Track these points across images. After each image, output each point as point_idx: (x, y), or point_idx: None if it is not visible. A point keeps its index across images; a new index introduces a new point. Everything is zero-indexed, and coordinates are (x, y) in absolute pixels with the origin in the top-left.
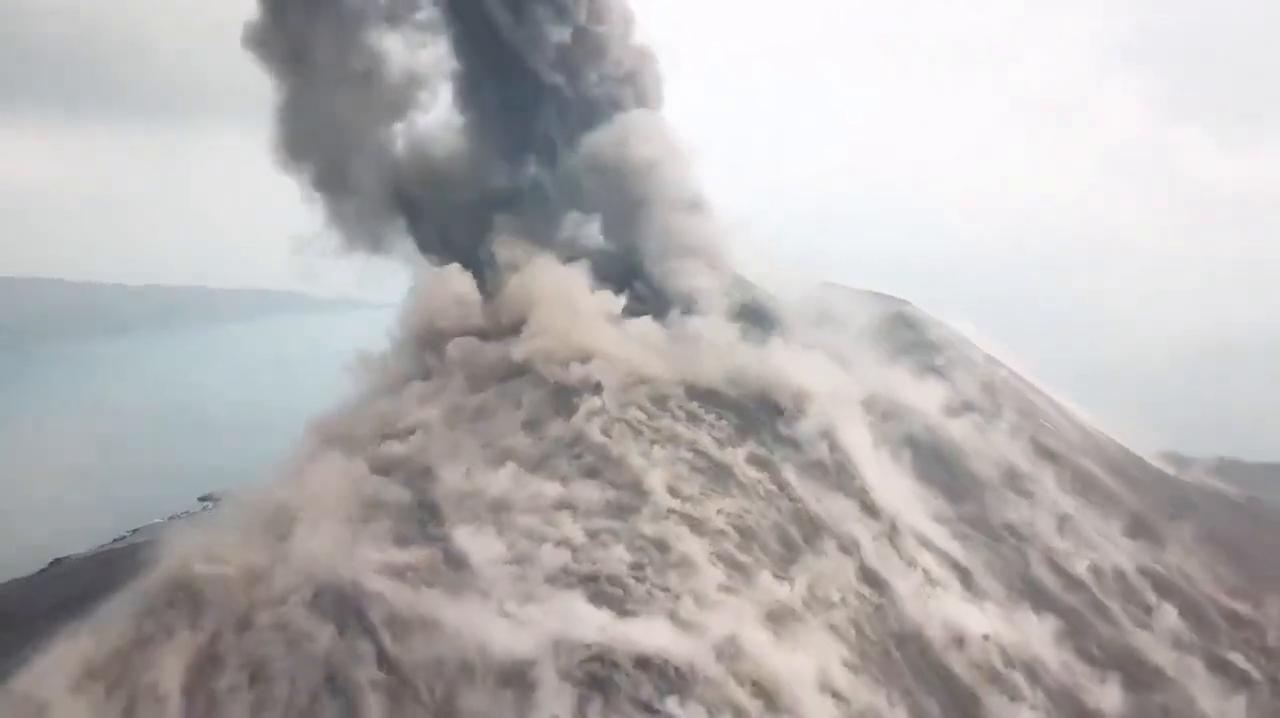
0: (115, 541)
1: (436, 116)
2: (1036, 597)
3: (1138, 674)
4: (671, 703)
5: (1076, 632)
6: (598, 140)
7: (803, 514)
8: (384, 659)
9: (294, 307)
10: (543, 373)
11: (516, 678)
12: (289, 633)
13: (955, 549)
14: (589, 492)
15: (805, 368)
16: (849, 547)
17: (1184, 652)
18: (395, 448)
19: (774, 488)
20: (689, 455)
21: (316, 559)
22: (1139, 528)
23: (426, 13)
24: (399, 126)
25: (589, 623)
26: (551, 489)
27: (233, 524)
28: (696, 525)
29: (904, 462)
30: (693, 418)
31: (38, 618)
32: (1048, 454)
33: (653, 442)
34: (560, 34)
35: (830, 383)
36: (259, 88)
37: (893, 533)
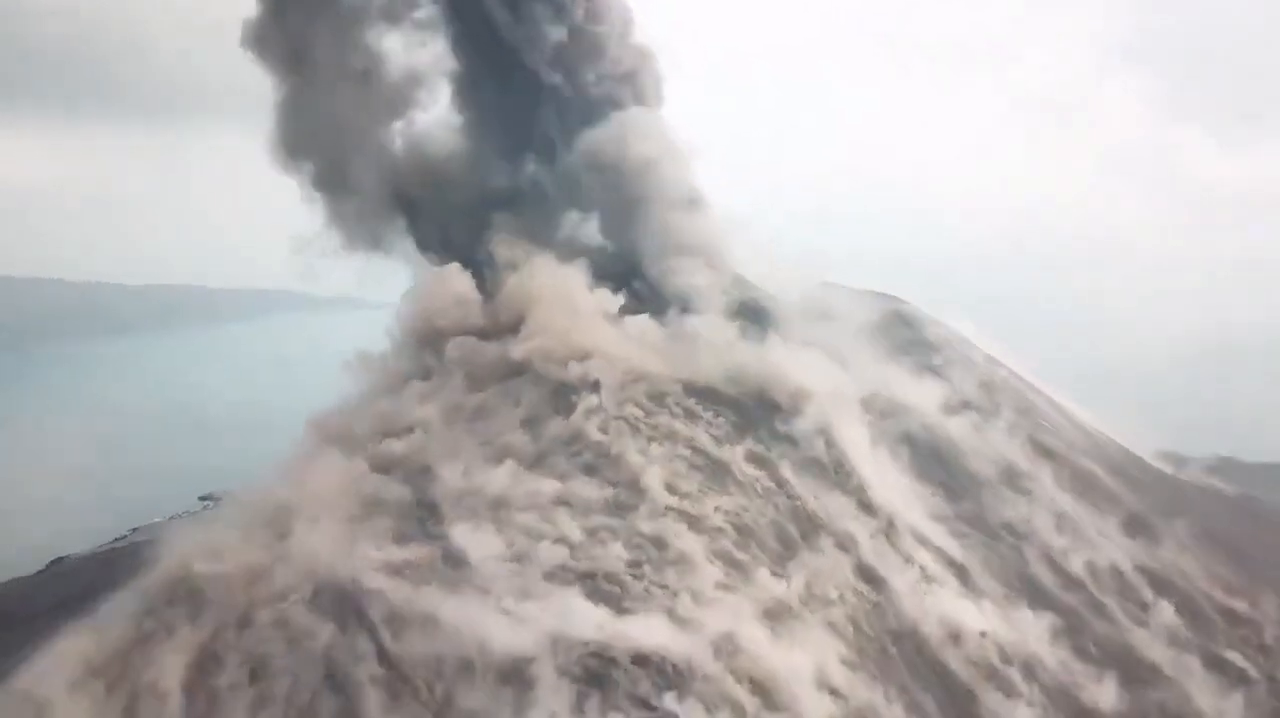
0: (115, 540)
1: (436, 116)
2: (1034, 594)
3: (1135, 672)
4: (669, 700)
5: (1074, 629)
6: (596, 139)
7: (800, 512)
8: (384, 656)
9: (294, 306)
10: (541, 371)
11: (515, 675)
12: (289, 631)
13: (953, 547)
14: (587, 489)
15: (803, 366)
16: (846, 544)
17: (1181, 649)
18: (395, 447)
19: (772, 486)
20: (687, 453)
21: (316, 557)
22: (1136, 526)
23: (425, 12)
24: (398, 126)
25: (587, 620)
26: (550, 487)
27: (233, 523)
28: (694, 523)
29: (902, 460)
30: (691, 416)
31: (38, 617)
32: (1046, 453)
33: (651, 439)
34: (559, 33)
35: (828, 381)
36: (259, 88)
37: (890, 531)
